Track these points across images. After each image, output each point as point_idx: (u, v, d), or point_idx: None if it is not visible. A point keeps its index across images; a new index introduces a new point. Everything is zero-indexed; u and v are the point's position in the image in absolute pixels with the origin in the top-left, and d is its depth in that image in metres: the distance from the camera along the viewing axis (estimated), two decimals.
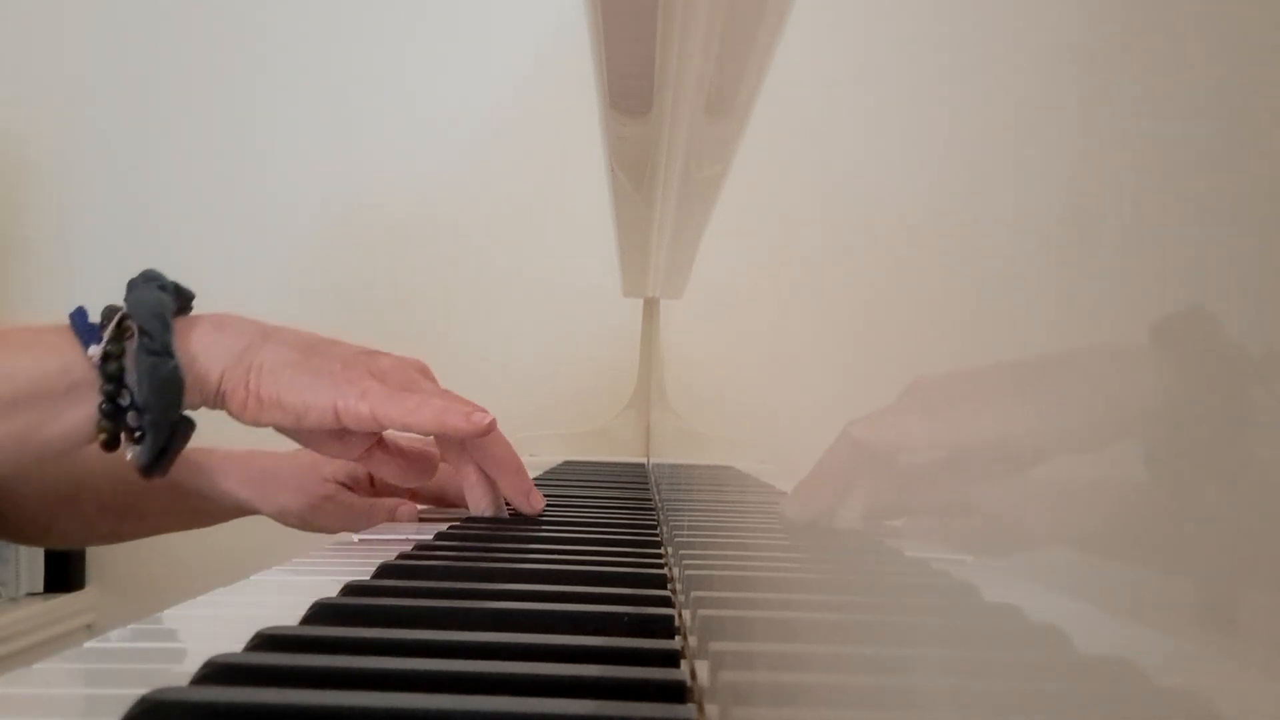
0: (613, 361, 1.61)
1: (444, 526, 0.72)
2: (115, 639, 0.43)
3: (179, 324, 0.69)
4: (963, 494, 0.22)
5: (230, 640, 0.38)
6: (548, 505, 0.84)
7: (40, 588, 1.65)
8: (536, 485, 1.01)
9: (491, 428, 0.71)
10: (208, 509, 0.92)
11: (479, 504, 0.75)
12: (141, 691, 0.31)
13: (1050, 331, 0.18)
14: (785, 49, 0.49)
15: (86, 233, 1.77)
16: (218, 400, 0.69)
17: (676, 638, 0.41)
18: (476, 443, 0.76)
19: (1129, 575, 0.15)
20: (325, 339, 0.75)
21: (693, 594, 0.43)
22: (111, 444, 0.67)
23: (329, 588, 0.47)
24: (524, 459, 1.52)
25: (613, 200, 0.89)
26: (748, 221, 0.66)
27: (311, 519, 0.87)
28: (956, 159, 0.24)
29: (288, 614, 0.43)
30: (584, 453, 1.51)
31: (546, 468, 1.26)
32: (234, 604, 0.51)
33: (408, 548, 0.62)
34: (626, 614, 0.43)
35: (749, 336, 0.62)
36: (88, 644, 0.41)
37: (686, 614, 0.43)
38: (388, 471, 0.75)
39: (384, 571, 0.53)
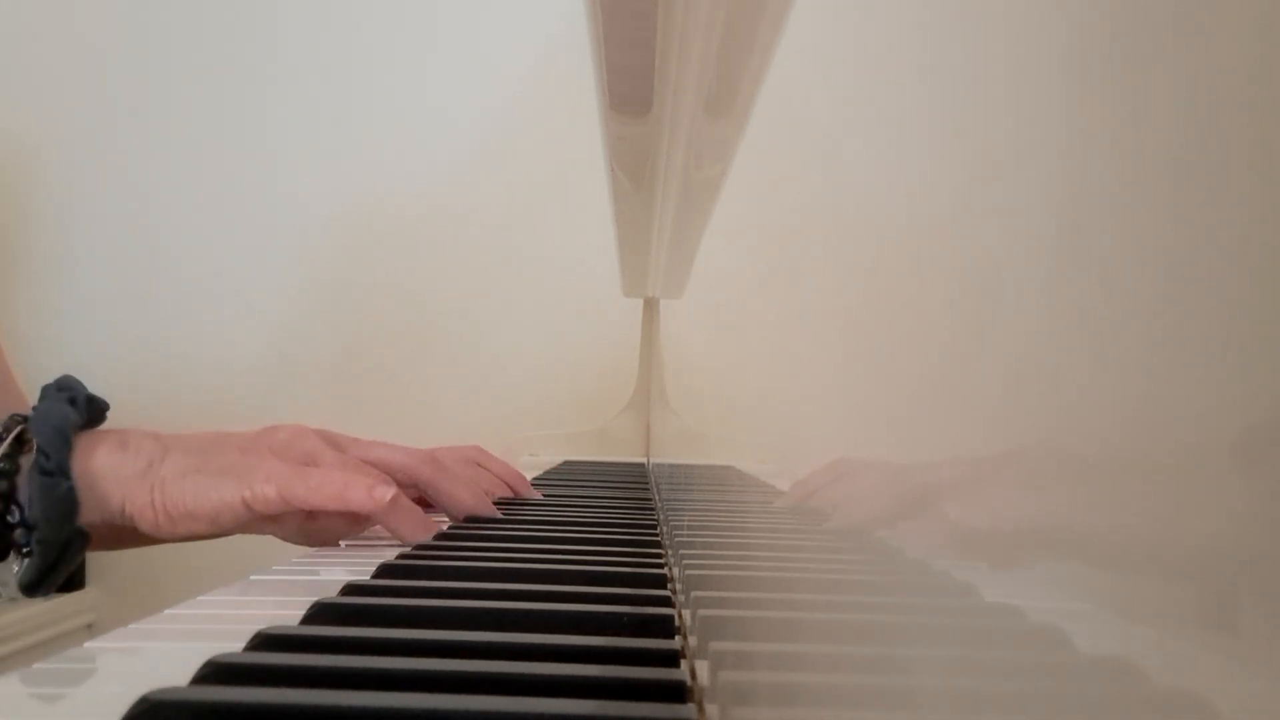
0: (613, 361, 1.61)
1: (443, 527, 0.72)
2: (115, 638, 0.43)
3: (82, 440, 0.68)
4: (963, 497, 0.22)
5: (230, 640, 0.38)
6: (548, 505, 0.84)
7: None
8: (536, 485, 1.02)
9: (393, 505, 0.68)
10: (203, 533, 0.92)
11: (413, 535, 0.71)
12: (141, 691, 0.31)
13: (1052, 331, 0.18)
14: (785, 49, 0.49)
15: (89, 233, 1.77)
16: (126, 520, 0.69)
17: (676, 638, 0.41)
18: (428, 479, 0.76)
19: (1129, 575, 0.15)
20: (223, 435, 0.73)
21: (693, 594, 0.43)
22: None
23: (329, 588, 0.47)
24: (524, 459, 1.52)
25: (613, 200, 0.89)
26: (748, 221, 0.66)
27: (314, 533, 0.87)
28: (958, 159, 0.24)
29: (288, 614, 0.43)
30: (584, 453, 1.51)
31: (546, 468, 1.26)
32: (234, 604, 0.51)
33: (407, 548, 0.62)
34: (626, 614, 0.43)
35: (749, 336, 0.62)
36: (88, 644, 0.42)
37: (686, 614, 0.43)
38: (336, 531, 0.72)
39: (384, 571, 0.53)
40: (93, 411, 0.71)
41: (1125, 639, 0.15)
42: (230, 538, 0.93)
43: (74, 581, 1.68)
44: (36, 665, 0.38)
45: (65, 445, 0.66)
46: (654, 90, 0.59)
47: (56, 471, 0.65)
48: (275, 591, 0.55)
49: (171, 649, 0.43)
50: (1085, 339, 0.17)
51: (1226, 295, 0.12)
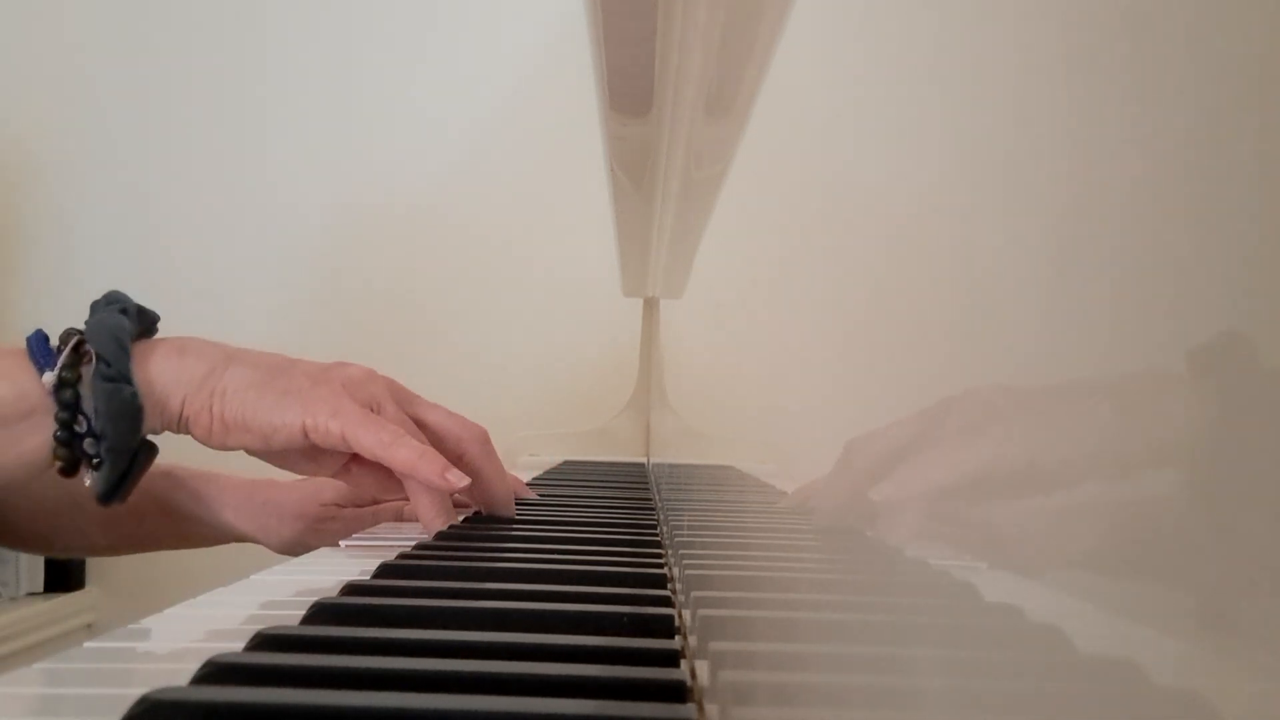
0: (613, 361, 1.61)
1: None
2: (115, 639, 0.43)
3: (138, 348, 0.68)
4: (963, 499, 0.22)
5: (230, 640, 0.38)
6: (548, 505, 0.84)
7: (40, 588, 1.65)
8: (536, 485, 1.02)
9: (462, 488, 0.68)
10: (206, 535, 0.92)
11: (434, 522, 0.70)
12: (141, 691, 0.31)
13: (1052, 331, 0.18)
14: (785, 49, 0.49)
15: (90, 233, 1.77)
16: (181, 425, 0.68)
17: (676, 637, 0.41)
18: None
19: (1129, 575, 0.15)
20: (293, 360, 0.72)
21: (693, 594, 0.43)
22: (69, 471, 0.66)
23: (329, 588, 0.47)
24: (524, 459, 1.52)
25: (613, 200, 0.89)
26: (748, 221, 0.66)
27: (317, 544, 0.86)
28: (958, 159, 0.24)
29: (288, 614, 0.43)
30: (584, 453, 1.51)
31: (546, 468, 1.26)
32: (234, 604, 0.51)
33: (407, 547, 0.62)
34: (626, 614, 0.43)
35: (749, 336, 0.62)
36: (88, 644, 0.41)
37: (686, 614, 0.43)
38: (365, 485, 0.73)
39: (384, 571, 0.53)
40: (145, 322, 0.71)
41: (1125, 639, 0.15)
42: (228, 546, 0.93)
43: (73, 582, 1.68)
44: (36, 665, 0.38)
45: (124, 352, 0.66)
46: (654, 90, 0.59)
47: (119, 378, 0.65)
48: (275, 591, 0.55)
49: (171, 649, 0.43)
50: (1085, 338, 0.17)
51: (1227, 295, 0.12)
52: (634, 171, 0.78)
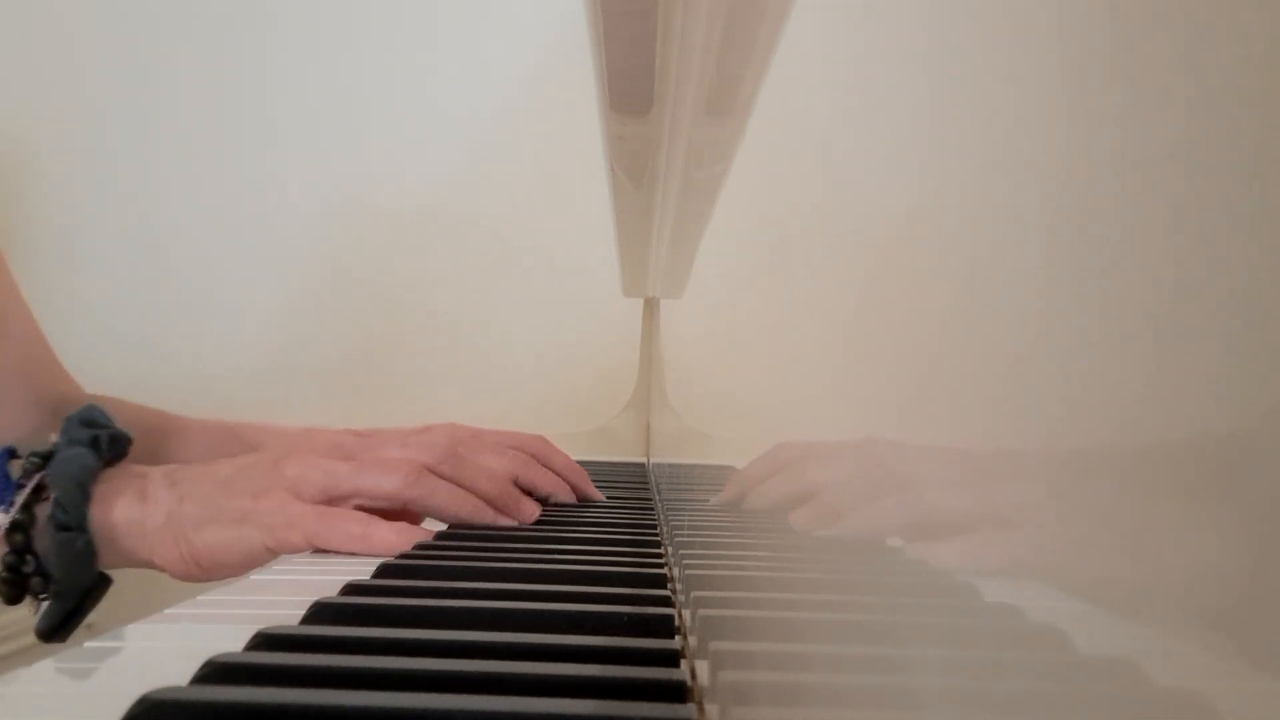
0: (613, 361, 1.61)
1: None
2: (115, 638, 0.43)
3: (102, 488, 0.67)
4: (962, 497, 0.22)
5: (230, 640, 0.38)
6: (547, 505, 0.83)
7: None
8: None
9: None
10: (236, 575, 0.92)
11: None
12: (141, 691, 0.31)
13: (1050, 330, 0.18)
14: (785, 49, 0.49)
15: (90, 234, 1.77)
16: (157, 569, 0.69)
17: (676, 637, 0.41)
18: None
19: (1129, 575, 0.15)
20: (234, 468, 0.71)
21: (693, 594, 0.43)
22: (13, 601, 0.67)
23: (329, 588, 0.47)
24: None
25: (613, 200, 0.89)
26: (748, 221, 0.66)
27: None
28: (958, 159, 0.24)
29: (288, 613, 0.43)
30: (584, 452, 1.51)
31: None
32: (234, 604, 0.51)
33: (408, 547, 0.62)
34: (626, 614, 0.43)
35: (749, 336, 0.62)
36: (88, 644, 0.42)
37: (686, 614, 0.43)
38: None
39: (384, 571, 0.53)
40: (115, 450, 0.70)
41: (1125, 639, 0.15)
42: None
43: None
44: (36, 665, 0.38)
45: (84, 498, 0.66)
46: (654, 90, 0.59)
47: (74, 526, 0.65)
48: (275, 591, 0.55)
49: (172, 649, 0.43)
50: (1085, 338, 0.17)
51: (1227, 294, 0.12)
52: (634, 171, 0.78)
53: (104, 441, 0.69)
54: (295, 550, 0.66)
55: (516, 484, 0.78)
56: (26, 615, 1.63)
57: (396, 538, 0.64)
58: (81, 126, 1.78)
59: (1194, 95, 0.13)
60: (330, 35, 1.78)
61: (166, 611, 0.48)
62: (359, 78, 1.77)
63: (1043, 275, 0.18)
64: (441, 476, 0.71)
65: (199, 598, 0.51)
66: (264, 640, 0.38)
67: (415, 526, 0.67)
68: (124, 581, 1.76)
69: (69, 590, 0.66)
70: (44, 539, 0.66)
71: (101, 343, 1.73)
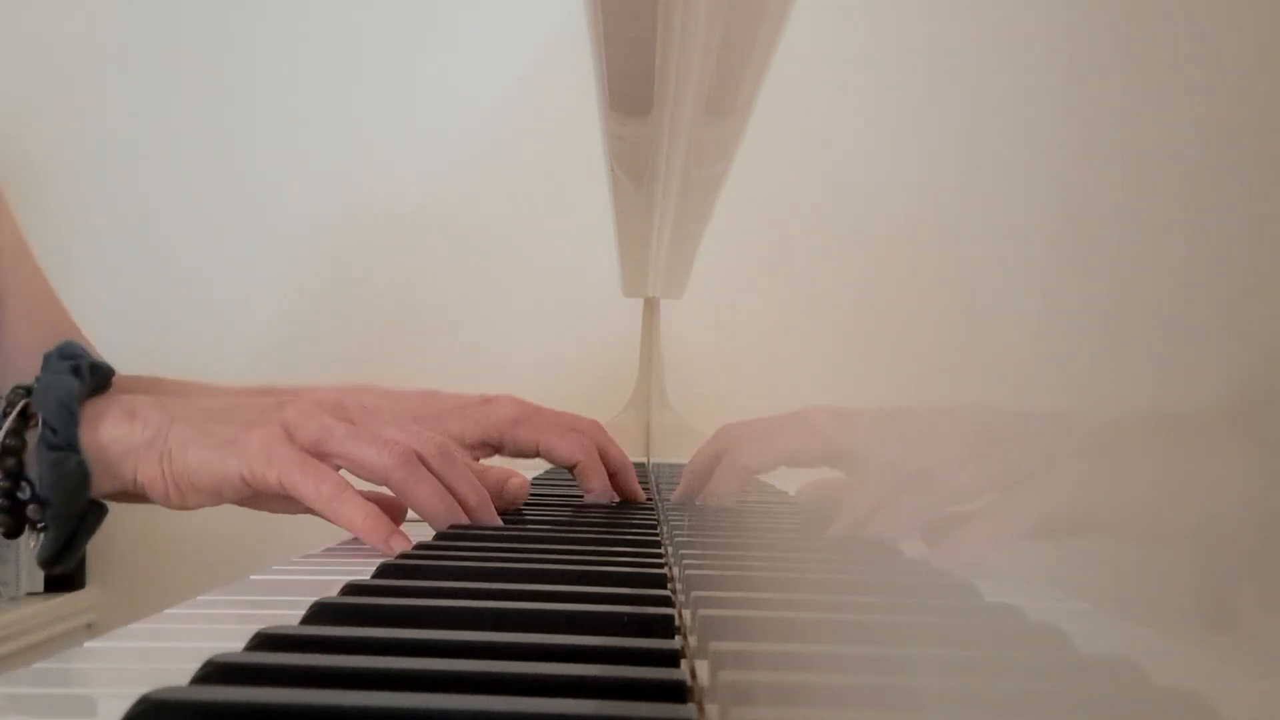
0: (613, 361, 1.61)
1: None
2: (115, 638, 0.43)
3: (89, 411, 0.67)
4: (962, 496, 0.22)
5: (230, 640, 0.38)
6: (548, 505, 0.84)
7: (40, 587, 1.65)
8: (537, 485, 1.01)
9: (399, 548, 0.64)
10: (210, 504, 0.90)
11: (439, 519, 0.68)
12: (141, 691, 0.31)
13: (1049, 330, 0.18)
14: (785, 49, 0.49)
15: (87, 237, 1.77)
16: (138, 489, 0.68)
17: (676, 637, 0.41)
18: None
19: (1129, 576, 0.15)
20: (235, 402, 0.71)
21: (693, 594, 0.43)
22: (11, 534, 0.66)
23: (329, 588, 0.47)
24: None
25: (613, 200, 0.89)
26: (748, 221, 0.66)
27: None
28: (956, 159, 0.24)
29: (288, 613, 0.43)
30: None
31: (547, 467, 1.26)
32: (234, 604, 0.51)
33: (408, 546, 0.62)
34: (626, 614, 0.43)
35: (749, 336, 0.62)
36: (88, 643, 0.41)
37: (686, 614, 0.43)
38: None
39: (384, 571, 0.53)
40: (98, 378, 0.70)
41: (1125, 639, 0.15)
42: (231, 538, 0.93)
43: (74, 581, 1.68)
44: (36, 665, 0.38)
45: (71, 419, 0.65)
46: (654, 90, 0.59)
47: (65, 446, 0.64)
48: (275, 591, 0.55)
49: (171, 648, 0.43)
50: (1083, 338, 0.17)
51: (1226, 294, 0.12)
52: (634, 171, 0.78)
53: (85, 369, 0.68)
54: (268, 489, 0.65)
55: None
56: (27, 615, 1.63)
57: (362, 517, 0.63)
58: (80, 127, 1.78)
59: (1193, 93, 0.13)
60: (330, 35, 1.78)
61: (166, 611, 0.48)
62: (359, 79, 1.77)
63: (1042, 274, 0.18)
64: (429, 468, 0.69)
65: (199, 598, 0.51)
66: (264, 640, 0.38)
67: (386, 518, 0.65)
68: (124, 582, 1.76)
69: (65, 515, 0.64)
70: (36, 464, 0.65)
71: (101, 343, 1.73)
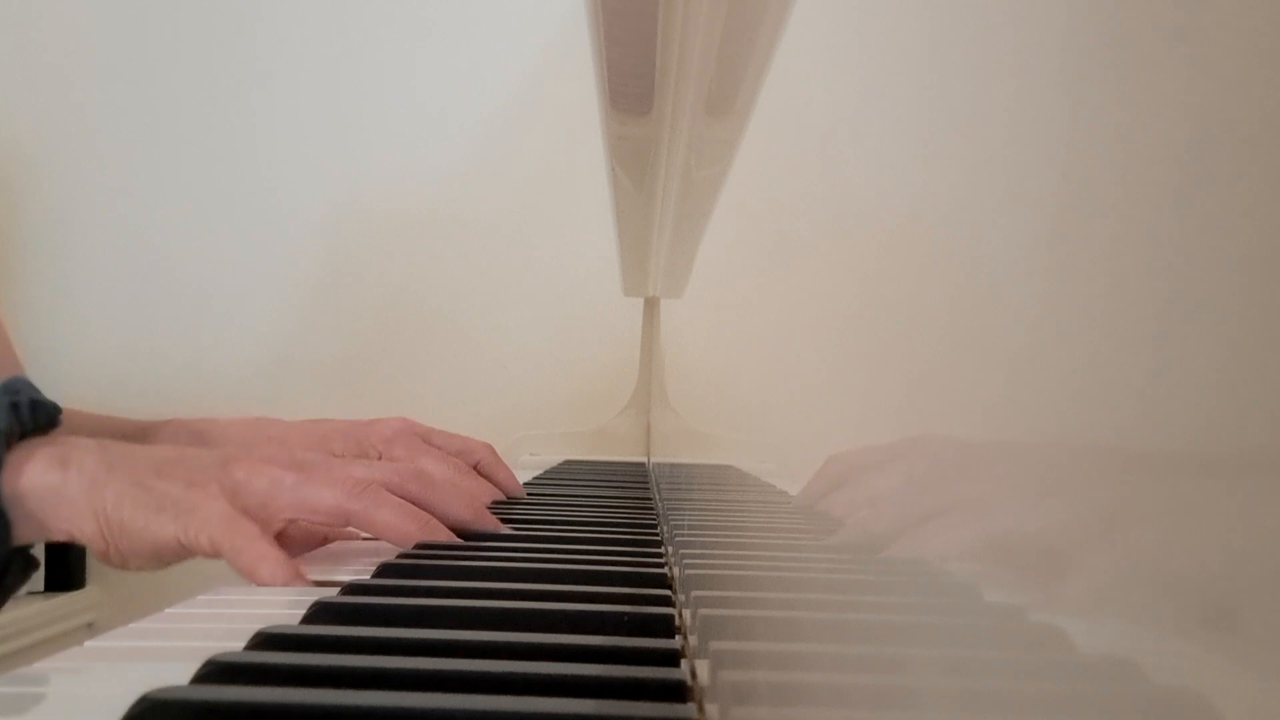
0: (613, 361, 1.62)
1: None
2: (115, 638, 0.43)
3: (15, 456, 0.62)
4: (962, 496, 0.22)
5: (230, 639, 0.38)
6: (548, 505, 0.84)
7: (41, 586, 1.65)
8: (537, 485, 1.01)
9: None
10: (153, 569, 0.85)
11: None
12: (141, 691, 0.31)
13: (1049, 330, 0.18)
14: (785, 49, 0.49)
15: (85, 235, 1.77)
16: (79, 541, 0.63)
17: (676, 637, 0.41)
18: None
19: (1129, 575, 0.15)
20: (179, 455, 0.66)
21: (693, 593, 0.43)
22: None
23: (329, 587, 0.47)
24: (524, 458, 1.52)
25: (613, 200, 0.89)
26: (748, 221, 0.66)
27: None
28: (958, 158, 0.24)
29: (288, 613, 0.43)
30: (584, 452, 1.52)
31: (546, 467, 1.27)
32: (234, 603, 0.51)
33: (408, 546, 0.62)
34: (627, 613, 0.43)
35: (749, 336, 0.62)
36: (88, 643, 0.42)
37: (687, 613, 0.43)
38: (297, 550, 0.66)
39: (384, 571, 0.53)
40: (39, 418, 0.65)
41: (1125, 639, 0.15)
42: None
43: (74, 580, 1.68)
44: (36, 665, 0.38)
45: None
46: (654, 90, 0.59)
47: None
48: (275, 591, 0.55)
49: (171, 648, 0.43)
50: (1083, 338, 0.17)
51: (1225, 294, 0.12)
52: (634, 171, 0.78)
53: (24, 408, 0.64)
54: (205, 553, 0.61)
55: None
56: (26, 615, 1.63)
57: (270, 575, 0.59)
58: (81, 128, 1.78)
59: (1192, 92, 0.13)
60: (330, 35, 1.78)
61: (167, 611, 0.48)
62: (357, 79, 1.77)
63: (1043, 271, 0.18)
64: (408, 499, 0.66)
65: (199, 597, 0.51)
66: (264, 640, 0.38)
67: (293, 565, 0.60)
68: (124, 581, 1.76)
69: None
70: None
71: (102, 343, 1.73)
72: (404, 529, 0.63)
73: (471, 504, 0.69)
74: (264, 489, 0.63)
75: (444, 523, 0.66)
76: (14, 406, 0.63)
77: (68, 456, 0.63)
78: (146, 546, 0.61)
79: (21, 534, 0.62)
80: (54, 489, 0.62)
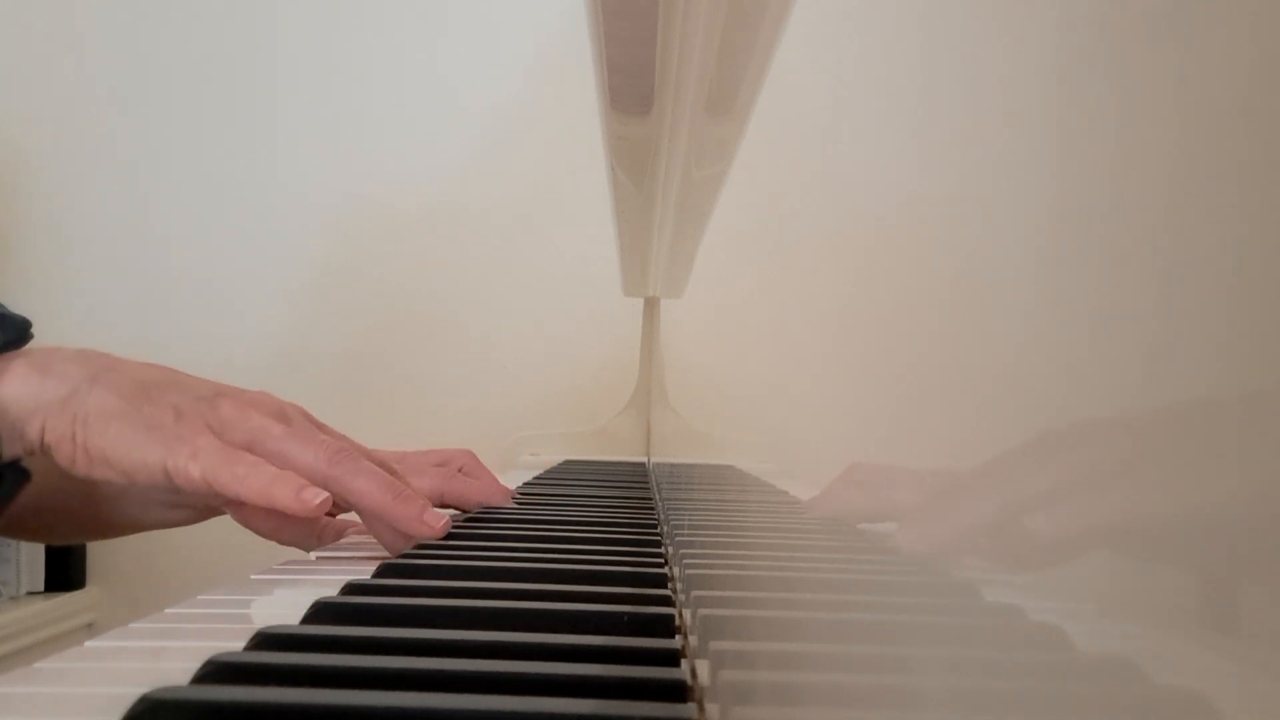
0: (613, 361, 1.62)
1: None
2: (115, 638, 0.43)
3: None
4: (962, 495, 0.22)
5: (230, 639, 0.38)
6: (548, 505, 0.84)
7: (41, 586, 1.65)
8: (537, 485, 1.01)
9: (321, 509, 0.60)
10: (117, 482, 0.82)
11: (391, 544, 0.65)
12: (141, 691, 0.31)
13: (1049, 330, 0.18)
14: (785, 49, 0.49)
15: (87, 232, 1.77)
16: (44, 450, 0.62)
17: (677, 637, 0.41)
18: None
19: (1129, 575, 0.15)
20: (166, 379, 0.65)
21: (693, 593, 0.43)
22: None
23: (329, 587, 0.47)
24: (524, 458, 1.52)
25: (613, 200, 0.89)
26: (748, 221, 0.66)
27: (244, 522, 0.73)
28: (958, 158, 0.24)
29: (288, 613, 0.43)
30: (584, 452, 1.52)
31: (546, 467, 1.27)
32: (234, 603, 0.51)
33: (409, 546, 0.62)
34: (627, 613, 0.43)
35: (749, 336, 0.62)
36: (88, 643, 0.41)
37: (687, 613, 0.43)
38: (257, 527, 0.65)
39: (384, 571, 0.53)
40: (11, 331, 0.64)
41: (1125, 639, 0.15)
42: (231, 538, 0.92)
43: (74, 581, 1.68)
44: (36, 665, 0.38)
45: None
46: (654, 90, 0.59)
47: None
48: (275, 590, 0.55)
49: (171, 648, 0.43)
50: (1083, 338, 0.17)
51: (1224, 294, 0.12)
52: (634, 171, 0.78)
53: None
54: (189, 483, 0.60)
55: (443, 501, 0.74)
56: (26, 615, 1.63)
57: (295, 494, 0.59)
58: (83, 126, 1.78)
59: (1192, 91, 0.13)
60: (331, 34, 1.78)
61: (167, 611, 0.48)
62: (358, 78, 1.77)
63: (1045, 270, 0.18)
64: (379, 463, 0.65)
65: (199, 597, 0.51)
66: (264, 640, 0.38)
67: (308, 501, 0.60)
68: (125, 581, 1.75)
69: None
70: None
71: (104, 340, 1.73)
72: (379, 497, 0.62)
73: (447, 479, 0.69)
74: (250, 431, 0.62)
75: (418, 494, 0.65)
76: None
77: (48, 365, 0.62)
78: (126, 464, 0.60)
79: (6, 446, 0.61)
80: (32, 395, 0.61)
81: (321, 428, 0.69)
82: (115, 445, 0.60)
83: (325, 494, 0.60)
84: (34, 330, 0.66)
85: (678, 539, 0.58)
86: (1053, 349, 0.18)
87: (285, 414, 0.66)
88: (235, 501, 0.62)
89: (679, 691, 0.34)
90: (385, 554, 0.63)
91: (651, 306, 1.51)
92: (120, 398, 0.61)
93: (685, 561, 0.52)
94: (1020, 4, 0.21)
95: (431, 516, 0.63)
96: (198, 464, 0.60)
